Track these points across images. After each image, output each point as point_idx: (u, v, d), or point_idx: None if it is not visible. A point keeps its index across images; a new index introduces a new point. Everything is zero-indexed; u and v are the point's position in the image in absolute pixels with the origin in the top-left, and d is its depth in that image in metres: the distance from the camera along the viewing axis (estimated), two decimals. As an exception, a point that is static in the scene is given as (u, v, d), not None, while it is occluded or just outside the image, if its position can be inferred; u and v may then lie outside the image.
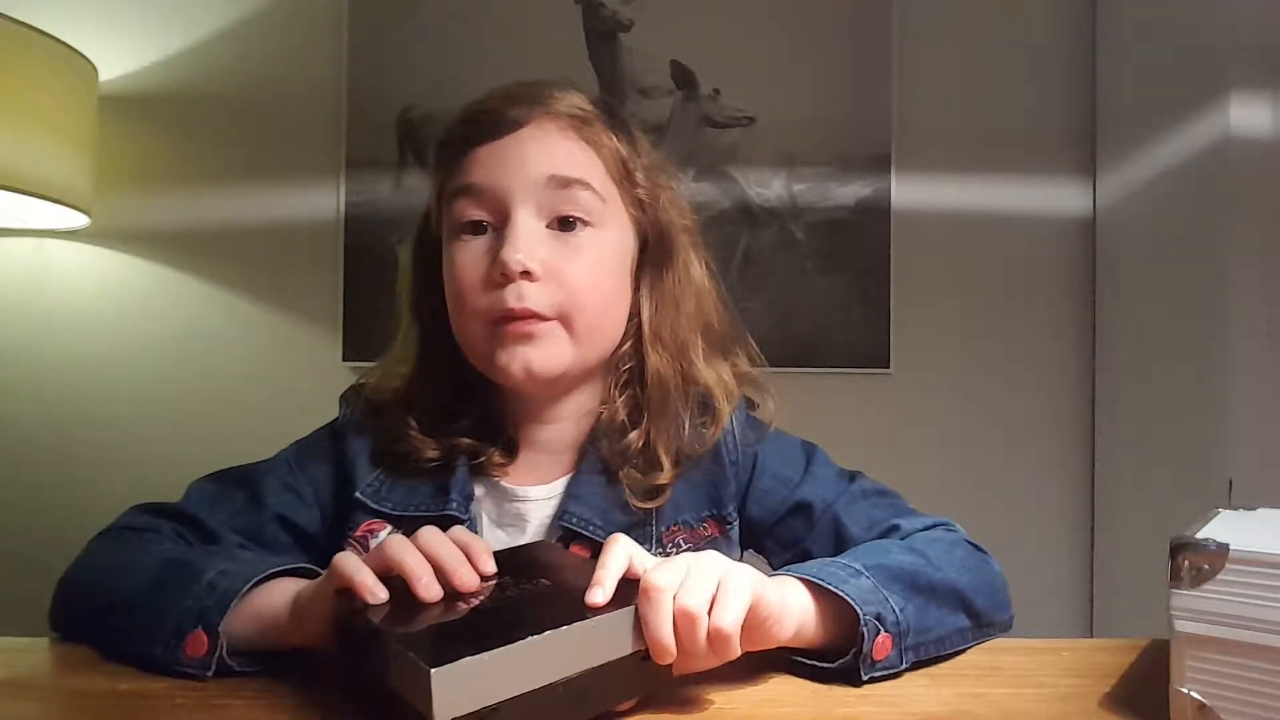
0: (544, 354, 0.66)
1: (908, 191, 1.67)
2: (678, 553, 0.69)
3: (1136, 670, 0.58)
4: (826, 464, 0.76)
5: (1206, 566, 0.44)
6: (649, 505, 0.69)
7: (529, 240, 0.65)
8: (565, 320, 0.66)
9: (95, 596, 0.61)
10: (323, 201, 1.66)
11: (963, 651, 0.61)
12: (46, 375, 1.64)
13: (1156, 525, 1.26)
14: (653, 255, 0.73)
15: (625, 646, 0.47)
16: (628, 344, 0.72)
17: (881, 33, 1.66)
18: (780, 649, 0.55)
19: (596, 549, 0.54)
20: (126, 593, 0.58)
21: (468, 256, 0.67)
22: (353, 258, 1.64)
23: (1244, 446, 1.22)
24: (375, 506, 0.69)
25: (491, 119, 0.68)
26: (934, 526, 0.70)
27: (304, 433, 0.76)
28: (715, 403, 0.72)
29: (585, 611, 0.46)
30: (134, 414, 1.65)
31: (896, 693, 0.54)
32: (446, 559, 0.50)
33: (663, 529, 0.71)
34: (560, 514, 0.69)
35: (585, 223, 0.67)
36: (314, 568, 0.58)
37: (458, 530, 0.54)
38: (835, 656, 0.55)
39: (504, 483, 0.71)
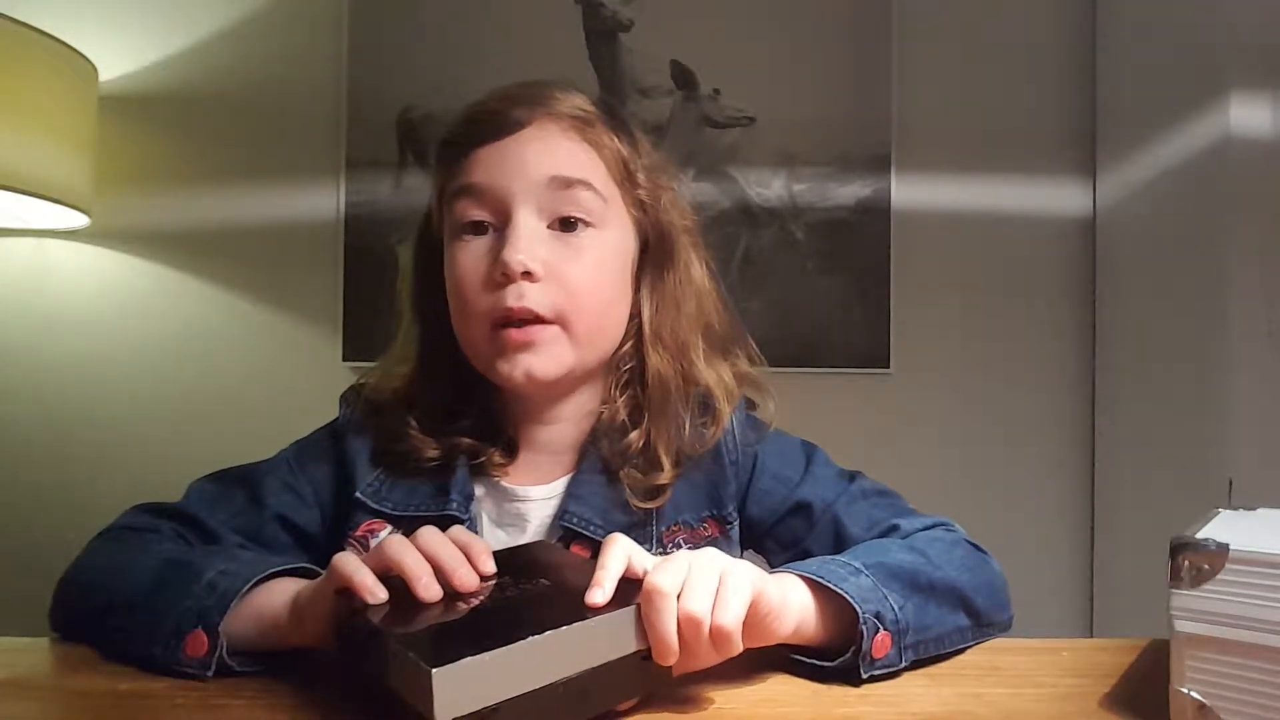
0: (545, 360, 0.66)
1: (908, 191, 1.67)
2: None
3: (1136, 670, 0.58)
4: (826, 464, 0.76)
5: (1206, 566, 0.44)
6: (649, 505, 0.69)
7: (530, 241, 0.65)
8: (566, 322, 0.66)
9: (95, 596, 0.61)
10: (323, 201, 1.65)
11: (962, 651, 0.61)
12: (46, 375, 1.64)
13: (1156, 525, 1.26)
14: (653, 256, 0.73)
15: (625, 646, 0.47)
16: (628, 344, 0.72)
17: (881, 33, 1.66)
18: (780, 648, 0.55)
19: (596, 549, 0.54)
20: (126, 593, 0.58)
21: (469, 257, 0.67)
22: (353, 258, 1.64)
23: (1244, 446, 1.22)
24: (375, 506, 0.69)
25: (493, 120, 0.68)
26: (934, 526, 0.70)
27: (304, 433, 0.76)
28: (716, 403, 0.72)
29: (585, 611, 0.46)
30: (134, 414, 1.65)
31: (896, 692, 0.54)
32: (446, 559, 0.50)
33: (663, 529, 0.71)
34: (560, 514, 0.69)
35: (586, 223, 0.67)
36: (314, 568, 0.58)
37: (457, 530, 0.54)
38: (835, 655, 0.55)
39: (504, 483, 0.71)
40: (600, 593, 0.47)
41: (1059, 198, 1.69)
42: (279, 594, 0.55)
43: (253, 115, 1.66)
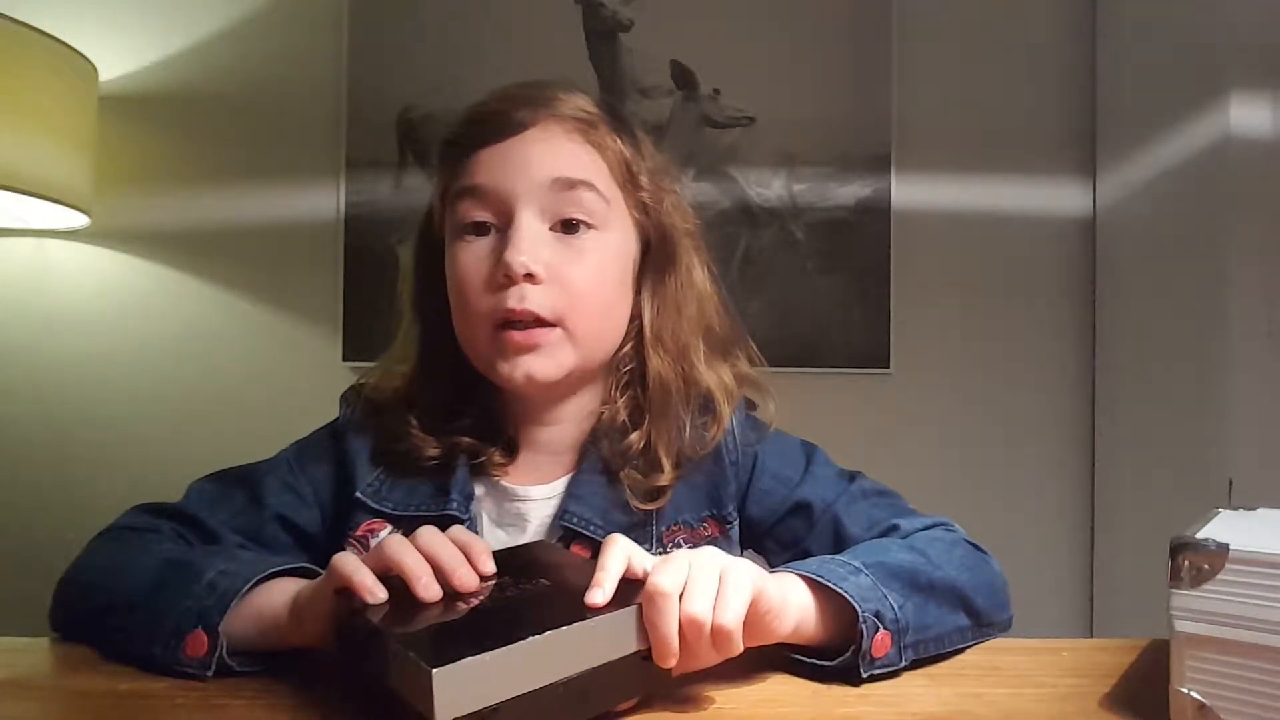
0: (545, 362, 0.66)
1: (908, 191, 1.67)
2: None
3: (1136, 670, 0.58)
4: (826, 464, 0.76)
5: (1206, 566, 0.44)
6: (650, 507, 0.69)
7: (533, 242, 0.65)
8: (567, 324, 0.66)
9: (95, 596, 0.61)
10: (323, 201, 1.65)
11: (962, 651, 0.61)
12: (46, 375, 1.64)
13: (1156, 525, 1.26)
14: (655, 258, 0.73)
15: (626, 646, 0.47)
16: (629, 346, 0.72)
17: (881, 33, 1.66)
18: (780, 648, 0.55)
19: (596, 549, 0.54)
20: (126, 593, 0.58)
21: (471, 257, 0.67)
22: (353, 258, 1.64)
23: (1244, 446, 1.22)
24: (375, 506, 0.69)
25: (497, 121, 0.68)
26: (934, 526, 0.70)
27: (304, 433, 0.76)
28: (716, 405, 0.72)
29: (585, 611, 0.46)
30: (134, 414, 1.65)
31: (896, 692, 0.54)
32: (445, 559, 0.50)
33: (663, 529, 0.71)
34: (561, 514, 0.69)
35: (589, 225, 0.67)
36: (314, 568, 0.58)
37: (457, 530, 0.54)
38: (835, 655, 0.55)
39: (504, 482, 0.71)
40: (600, 593, 0.47)
41: (1059, 198, 1.69)
42: (279, 594, 0.55)
43: (253, 115, 1.66)
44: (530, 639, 0.43)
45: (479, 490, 0.71)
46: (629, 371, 0.72)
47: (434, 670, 0.40)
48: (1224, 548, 0.44)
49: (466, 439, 0.70)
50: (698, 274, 0.75)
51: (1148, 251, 1.50)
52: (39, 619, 0.63)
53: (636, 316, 0.72)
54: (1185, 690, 0.46)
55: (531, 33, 1.64)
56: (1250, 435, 1.22)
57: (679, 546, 0.71)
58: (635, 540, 0.53)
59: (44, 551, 0.85)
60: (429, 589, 0.48)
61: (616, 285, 0.70)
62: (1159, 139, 1.44)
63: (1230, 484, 1.20)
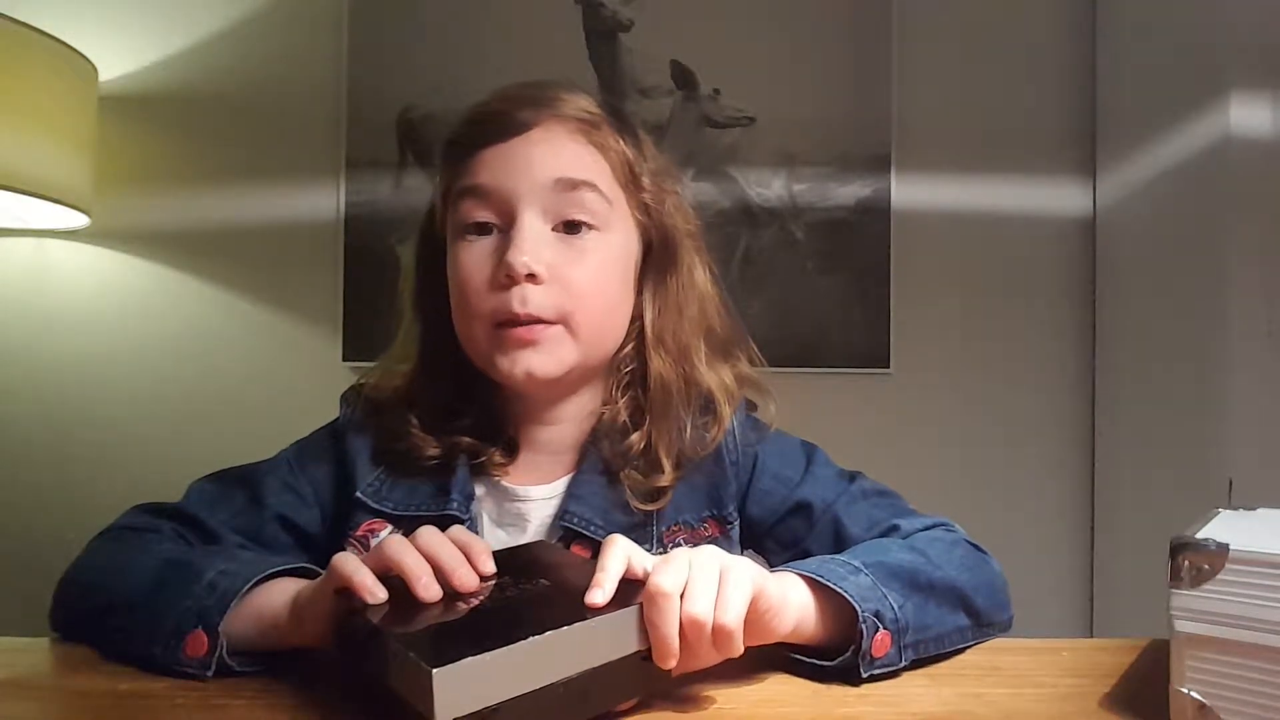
0: (546, 358, 0.66)
1: (908, 191, 1.67)
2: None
3: (1136, 670, 0.58)
4: (826, 464, 0.76)
5: (1206, 566, 0.44)
6: (650, 508, 0.69)
7: (535, 243, 0.65)
8: (568, 323, 0.66)
9: (95, 596, 0.61)
10: (323, 201, 1.65)
11: (962, 651, 0.61)
12: (46, 375, 1.64)
13: (1156, 525, 1.26)
14: (656, 259, 0.73)
15: (626, 647, 0.47)
16: (630, 346, 0.72)
17: (881, 33, 1.66)
18: (780, 647, 0.55)
19: (597, 549, 0.54)
20: (126, 593, 0.58)
21: (472, 257, 0.67)
22: (353, 258, 1.64)
23: (1244, 446, 1.22)
24: (376, 506, 0.69)
25: (499, 121, 0.68)
26: (934, 526, 0.70)
27: (304, 433, 0.76)
28: (717, 406, 0.72)
29: (586, 612, 0.46)
30: (134, 414, 1.65)
31: (896, 693, 0.54)
32: (445, 559, 0.50)
33: (663, 529, 0.71)
34: (561, 514, 0.69)
35: (591, 226, 0.67)
36: (314, 568, 0.58)
37: (457, 530, 0.54)
38: (835, 655, 0.55)
39: (504, 482, 0.71)
40: (600, 593, 0.47)
41: (1059, 198, 1.69)
42: (279, 594, 0.55)
43: (253, 115, 1.66)
44: (530, 639, 0.43)
45: (479, 490, 0.71)
46: (630, 372, 0.72)
47: (434, 670, 0.40)
48: (1224, 548, 0.44)
49: (467, 439, 0.70)
50: (699, 275, 0.75)
51: (1148, 251, 1.50)
52: (39, 619, 0.63)
53: (638, 317, 0.72)
54: (1185, 690, 0.46)
55: (531, 33, 1.64)
56: (1250, 435, 1.22)
57: (679, 546, 0.71)
58: (635, 540, 0.53)
59: (44, 551, 0.85)
60: (429, 589, 0.48)
61: (618, 286, 0.70)
62: (1159, 139, 1.44)
63: (1230, 484, 1.20)
